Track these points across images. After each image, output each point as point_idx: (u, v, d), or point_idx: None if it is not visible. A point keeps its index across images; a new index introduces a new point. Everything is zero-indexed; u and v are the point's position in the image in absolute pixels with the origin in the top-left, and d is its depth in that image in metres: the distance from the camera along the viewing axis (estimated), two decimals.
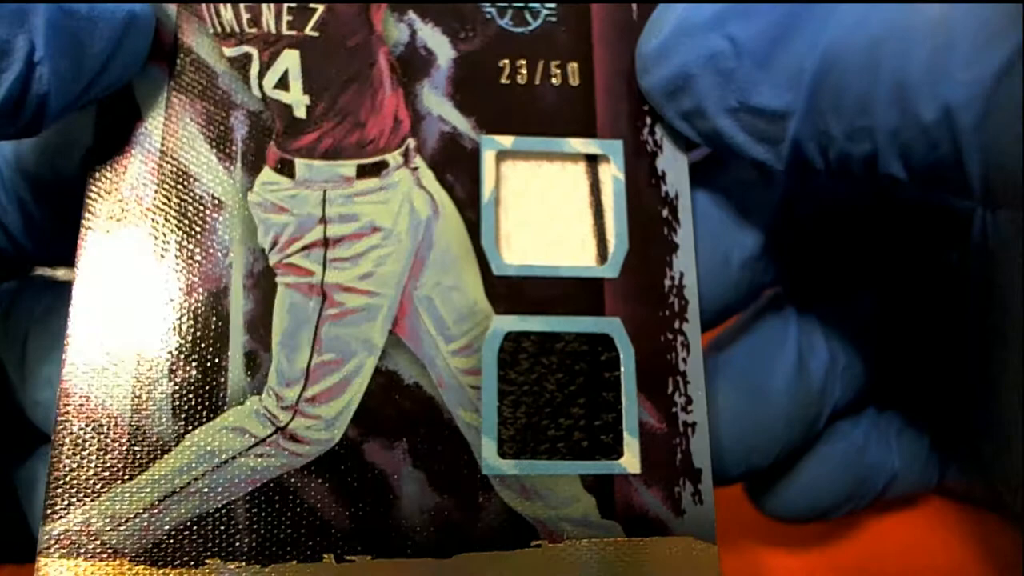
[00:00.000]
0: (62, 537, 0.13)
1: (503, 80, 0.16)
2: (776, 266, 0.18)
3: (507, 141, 0.16)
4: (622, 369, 0.15)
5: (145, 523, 0.13)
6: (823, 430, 0.19)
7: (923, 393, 0.20)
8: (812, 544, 0.23)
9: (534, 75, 0.16)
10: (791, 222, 0.18)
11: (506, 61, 0.16)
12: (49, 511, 0.13)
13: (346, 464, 0.14)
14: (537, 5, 0.17)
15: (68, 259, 0.14)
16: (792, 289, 0.19)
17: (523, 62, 0.16)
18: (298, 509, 0.14)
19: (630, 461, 0.15)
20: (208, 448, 0.14)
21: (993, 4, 0.11)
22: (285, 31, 0.16)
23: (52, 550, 0.13)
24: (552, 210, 0.16)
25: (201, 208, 0.15)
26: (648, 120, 0.16)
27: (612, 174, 0.16)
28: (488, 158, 0.16)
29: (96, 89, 0.14)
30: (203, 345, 0.14)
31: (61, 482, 0.13)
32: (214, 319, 0.14)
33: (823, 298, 0.19)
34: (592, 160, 0.16)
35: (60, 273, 0.18)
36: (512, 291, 0.15)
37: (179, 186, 0.15)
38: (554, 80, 0.16)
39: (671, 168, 0.16)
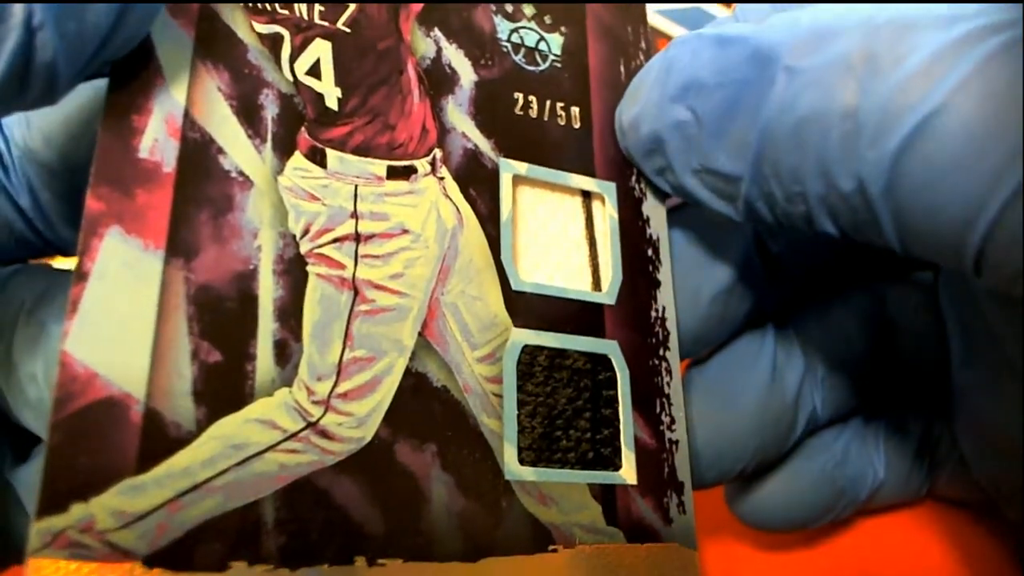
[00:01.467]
0: (59, 536, 0.11)
1: (517, 111, 0.17)
2: (752, 297, 0.19)
3: (522, 167, 0.17)
4: (619, 388, 0.16)
5: (161, 521, 0.12)
6: (803, 441, 0.20)
7: (909, 401, 0.21)
8: (807, 546, 0.23)
9: (543, 111, 0.18)
10: (765, 256, 0.19)
11: (520, 94, 0.17)
12: (44, 505, 0.11)
13: (378, 464, 0.13)
14: (545, 49, 0.18)
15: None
16: (771, 311, 0.20)
17: (533, 98, 0.18)
18: (329, 510, 0.13)
19: (628, 473, 0.16)
20: (234, 441, 0.13)
21: (897, 88, 0.12)
22: (317, 20, 0.16)
23: (47, 550, 0.11)
24: (553, 236, 0.17)
25: (227, 183, 0.14)
26: (634, 170, 0.18)
27: (608, 213, 0.18)
28: (506, 180, 0.17)
29: (110, 48, 0.13)
30: (228, 327, 0.13)
31: (59, 471, 0.11)
32: (241, 302, 0.13)
33: (801, 312, 0.20)
34: (586, 196, 0.18)
35: (56, 263, 0.15)
36: (528, 307, 0.16)
37: (203, 154, 0.14)
38: (560, 120, 0.18)
39: (653, 214, 0.18)
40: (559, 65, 0.18)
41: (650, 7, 0.19)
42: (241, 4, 0.15)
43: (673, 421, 0.17)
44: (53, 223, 0.16)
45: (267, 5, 0.15)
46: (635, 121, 0.17)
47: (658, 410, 0.17)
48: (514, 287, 0.16)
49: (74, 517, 0.11)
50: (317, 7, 0.16)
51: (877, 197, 0.13)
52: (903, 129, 0.12)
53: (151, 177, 0.13)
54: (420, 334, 0.15)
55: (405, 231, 0.15)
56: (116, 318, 0.12)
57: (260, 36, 0.15)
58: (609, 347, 0.16)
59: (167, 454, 0.12)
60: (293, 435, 0.13)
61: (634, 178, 0.18)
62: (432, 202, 0.16)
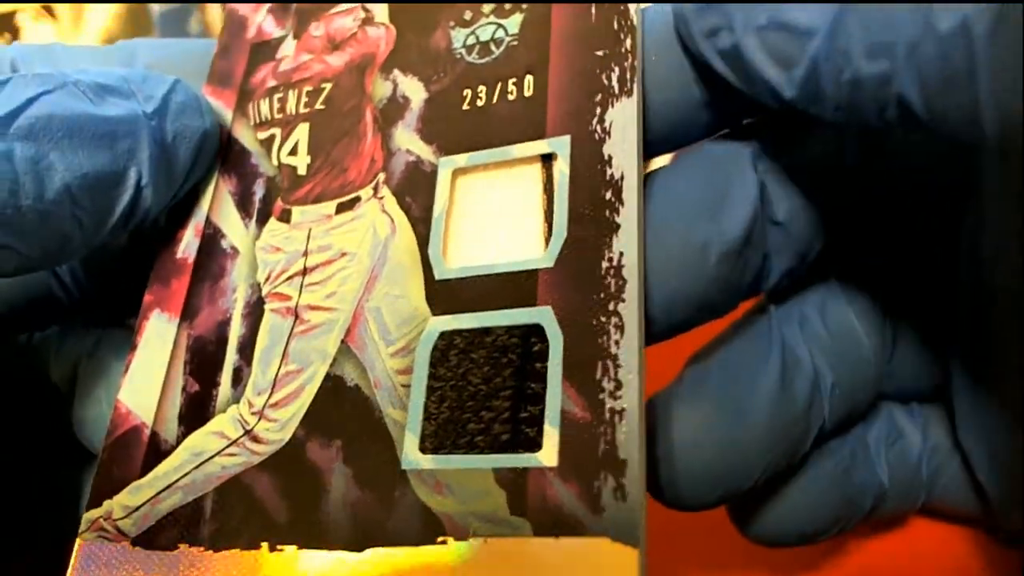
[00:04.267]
0: (93, 524, 0.16)
1: (464, 107, 0.17)
2: (757, 266, 0.16)
3: (462, 159, 0.17)
4: (550, 357, 0.14)
5: (145, 513, 0.16)
6: (811, 451, 0.18)
7: (907, 407, 0.20)
8: (800, 560, 0.22)
9: (492, 96, 0.17)
10: (770, 223, 0.17)
11: (468, 90, 0.17)
12: (91, 501, 0.16)
13: (290, 461, 0.15)
14: (501, 36, 0.18)
15: (104, 308, 0.19)
16: (774, 296, 0.18)
17: (483, 87, 0.17)
18: (249, 501, 0.15)
19: (547, 454, 0.13)
20: (195, 450, 0.16)
21: None
22: (301, 110, 0.19)
23: (86, 534, 0.16)
24: (505, 214, 0.16)
25: (223, 257, 0.18)
26: (599, 111, 0.16)
27: (560, 169, 0.16)
28: (443, 176, 0.17)
29: (181, 192, 0.19)
30: (206, 365, 0.17)
31: (102, 478, 0.16)
32: (217, 344, 0.17)
33: (805, 313, 0.18)
34: (547, 160, 0.16)
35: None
36: (450, 293, 0.15)
37: (212, 243, 0.18)
38: (510, 96, 0.17)
39: (618, 151, 0.15)
40: (516, 43, 0.18)
41: (644, 7, 0.17)
42: (252, 125, 0.20)
43: (619, 386, 0.13)
44: (82, 286, 0.21)
45: (269, 116, 0.20)
46: None
47: (599, 375, 0.13)
48: (438, 277, 0.16)
49: (104, 510, 0.16)
50: (303, 99, 0.19)
51: (982, 39, 0.12)
52: None
53: (181, 269, 0.18)
54: (343, 341, 0.16)
55: (344, 254, 0.17)
56: (146, 372, 0.17)
57: (260, 141, 0.19)
58: (541, 314, 0.14)
59: (157, 463, 0.16)
60: (234, 442, 0.16)
61: (595, 120, 0.16)
62: (370, 221, 0.17)
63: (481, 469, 0.14)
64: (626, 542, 0.12)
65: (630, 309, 0.14)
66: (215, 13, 0.37)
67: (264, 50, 0.21)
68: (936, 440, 0.20)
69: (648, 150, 0.16)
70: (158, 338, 0.18)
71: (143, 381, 0.17)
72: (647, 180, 0.17)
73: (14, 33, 0.38)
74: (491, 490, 0.13)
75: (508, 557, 0.13)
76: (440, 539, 0.13)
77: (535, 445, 0.13)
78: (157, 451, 0.16)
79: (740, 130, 0.18)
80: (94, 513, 0.16)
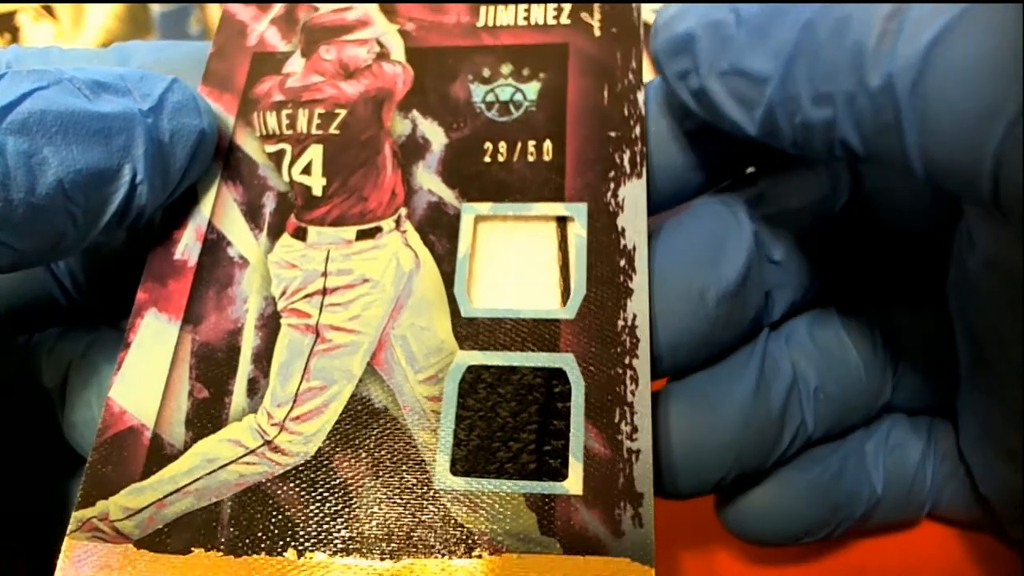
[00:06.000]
0: (85, 523, 0.16)
1: (486, 159, 0.19)
2: (756, 304, 0.18)
3: (485, 207, 0.18)
4: (573, 399, 0.16)
5: (151, 515, 0.16)
6: (797, 454, 0.19)
7: (911, 417, 0.20)
8: (802, 557, 0.23)
9: (513, 154, 0.19)
10: (768, 263, 0.19)
11: (490, 144, 0.19)
12: (80, 500, 0.16)
13: (317, 473, 0.16)
14: (520, 99, 0.20)
15: (102, 311, 0.18)
16: (775, 322, 0.19)
17: (504, 144, 0.19)
18: (271, 510, 0.16)
19: (573, 483, 0.15)
20: (208, 456, 0.16)
21: None
22: (314, 131, 0.20)
23: (76, 533, 0.16)
24: (523, 263, 0.18)
25: (231, 266, 0.18)
26: (612, 186, 0.18)
27: (576, 232, 0.18)
28: (466, 220, 0.18)
29: (177, 192, 0.18)
30: (216, 372, 0.17)
31: (93, 478, 0.16)
32: (227, 352, 0.17)
33: (796, 323, 0.19)
34: (562, 221, 0.18)
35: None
36: (477, 331, 0.17)
37: (217, 249, 0.19)
38: (530, 157, 0.19)
39: (630, 225, 0.18)
40: (534, 109, 0.20)
41: (647, 7, 0.20)
42: (257, 136, 0.20)
43: (635, 430, 0.16)
44: (81, 288, 0.21)
45: (277, 131, 0.20)
46: (671, 20, 0.17)
47: (617, 419, 0.16)
48: (464, 314, 0.17)
49: (97, 510, 0.16)
50: (315, 121, 0.20)
51: (904, 94, 0.13)
52: (941, 21, 0.12)
53: (180, 271, 0.18)
54: (369, 364, 0.17)
55: (366, 280, 0.18)
56: (143, 372, 0.17)
57: (269, 155, 0.20)
58: (564, 360, 0.17)
59: (162, 466, 0.16)
60: (252, 451, 0.16)
61: (609, 194, 0.18)
62: (393, 253, 0.18)
63: (512, 493, 0.15)
64: (643, 562, 0.15)
65: (643, 364, 0.16)
66: (215, 13, 0.35)
67: (268, 62, 0.21)
68: (944, 451, 0.20)
69: (651, 210, 0.19)
70: (156, 339, 0.18)
71: (139, 381, 0.17)
72: (650, 234, 0.19)
73: (14, 33, 0.34)
74: (522, 512, 0.15)
75: (540, 572, 0.15)
76: (475, 553, 0.15)
77: (560, 475, 0.16)
78: (161, 454, 0.16)
79: (737, 181, 0.20)
80: (86, 513, 0.16)
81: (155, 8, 0.34)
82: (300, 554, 0.15)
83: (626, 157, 0.19)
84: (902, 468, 0.20)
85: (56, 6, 0.33)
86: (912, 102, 0.13)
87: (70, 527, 0.16)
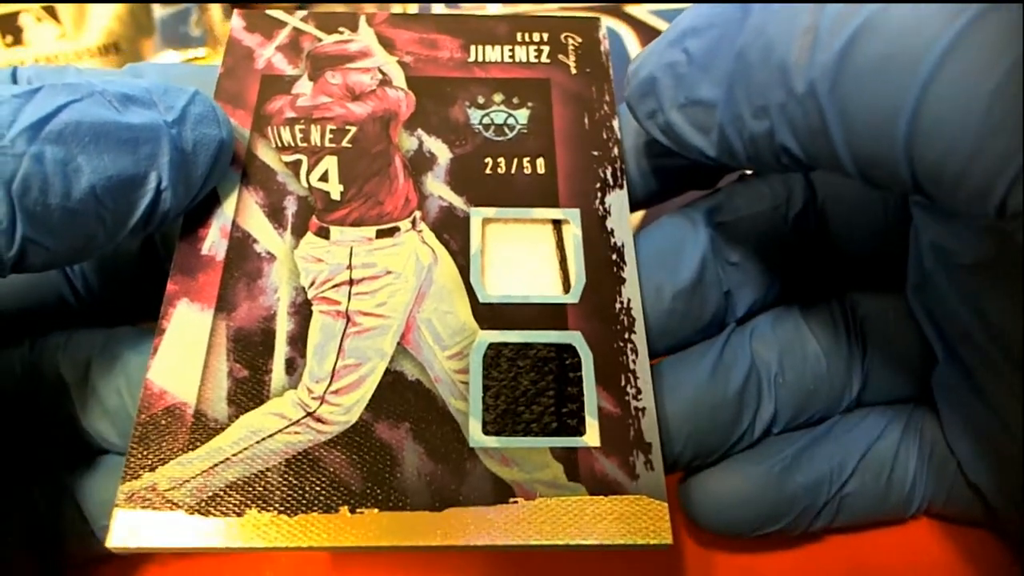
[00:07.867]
0: (134, 495, 0.17)
1: (487, 172, 0.22)
2: (714, 299, 0.21)
3: (490, 211, 0.21)
4: (583, 368, 0.19)
5: (201, 484, 0.17)
6: (760, 442, 0.21)
7: (889, 409, 0.21)
8: (802, 556, 0.23)
9: (511, 167, 0.22)
10: (725, 264, 0.22)
11: (489, 159, 0.22)
12: (126, 474, 0.17)
13: (360, 439, 0.17)
14: (513, 123, 0.23)
15: (110, 313, 0.19)
16: (740, 316, 0.22)
17: (502, 159, 0.22)
18: (320, 473, 0.17)
19: (591, 437, 0.18)
20: (253, 427, 0.17)
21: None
22: (327, 144, 0.22)
23: (125, 504, 0.16)
24: (526, 259, 0.21)
25: (259, 260, 0.20)
26: (600, 195, 0.21)
27: (573, 232, 0.21)
28: (475, 222, 0.21)
29: (198, 197, 0.20)
30: (253, 353, 0.18)
31: (138, 452, 0.17)
32: (263, 336, 0.19)
33: (761, 313, 0.21)
34: (557, 224, 0.21)
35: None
36: (494, 314, 0.19)
37: (244, 245, 0.20)
38: (526, 171, 0.22)
39: (617, 227, 0.21)
40: (525, 132, 0.23)
41: (646, 7, 0.22)
42: (274, 147, 0.22)
43: (639, 392, 0.18)
44: (92, 291, 0.22)
45: (292, 143, 0.22)
46: (637, 68, 0.19)
47: (623, 383, 0.18)
48: (481, 300, 0.20)
49: (144, 482, 0.17)
50: (327, 136, 0.22)
51: (825, 96, 0.14)
52: (849, 29, 0.13)
53: (208, 265, 0.20)
54: (399, 343, 0.19)
55: (389, 272, 0.20)
56: (180, 355, 0.18)
57: (286, 163, 0.22)
58: (573, 337, 0.19)
59: (207, 439, 0.17)
60: (296, 422, 0.18)
61: (597, 201, 0.21)
62: (412, 249, 0.20)
63: (539, 447, 0.18)
64: (658, 498, 0.17)
65: (640, 338, 0.19)
66: (216, 15, 0.36)
67: (277, 83, 0.23)
68: (931, 442, 0.20)
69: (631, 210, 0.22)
70: (190, 325, 0.19)
71: (177, 364, 0.18)
72: None
73: (16, 34, 0.33)
74: (550, 463, 0.17)
75: (572, 511, 0.17)
76: (512, 499, 0.17)
77: (579, 432, 0.18)
78: (206, 428, 0.17)
79: (704, 197, 0.23)
80: (134, 485, 0.17)
81: (157, 10, 0.34)
82: (352, 510, 0.17)
83: (608, 172, 0.22)
84: (878, 459, 0.20)
85: (59, 7, 0.33)
86: (833, 102, 0.14)
87: (116, 499, 0.16)
